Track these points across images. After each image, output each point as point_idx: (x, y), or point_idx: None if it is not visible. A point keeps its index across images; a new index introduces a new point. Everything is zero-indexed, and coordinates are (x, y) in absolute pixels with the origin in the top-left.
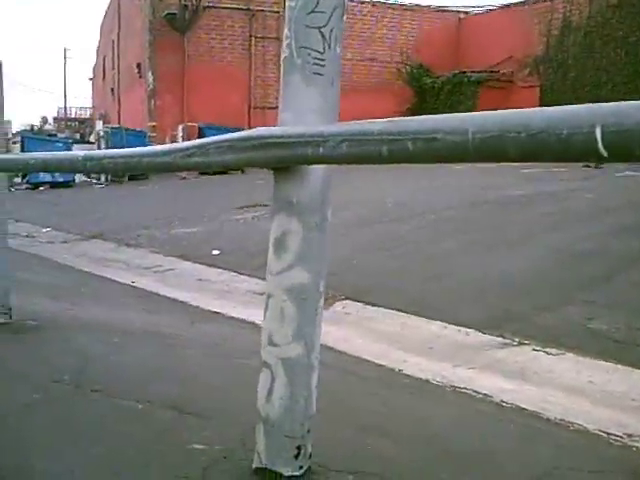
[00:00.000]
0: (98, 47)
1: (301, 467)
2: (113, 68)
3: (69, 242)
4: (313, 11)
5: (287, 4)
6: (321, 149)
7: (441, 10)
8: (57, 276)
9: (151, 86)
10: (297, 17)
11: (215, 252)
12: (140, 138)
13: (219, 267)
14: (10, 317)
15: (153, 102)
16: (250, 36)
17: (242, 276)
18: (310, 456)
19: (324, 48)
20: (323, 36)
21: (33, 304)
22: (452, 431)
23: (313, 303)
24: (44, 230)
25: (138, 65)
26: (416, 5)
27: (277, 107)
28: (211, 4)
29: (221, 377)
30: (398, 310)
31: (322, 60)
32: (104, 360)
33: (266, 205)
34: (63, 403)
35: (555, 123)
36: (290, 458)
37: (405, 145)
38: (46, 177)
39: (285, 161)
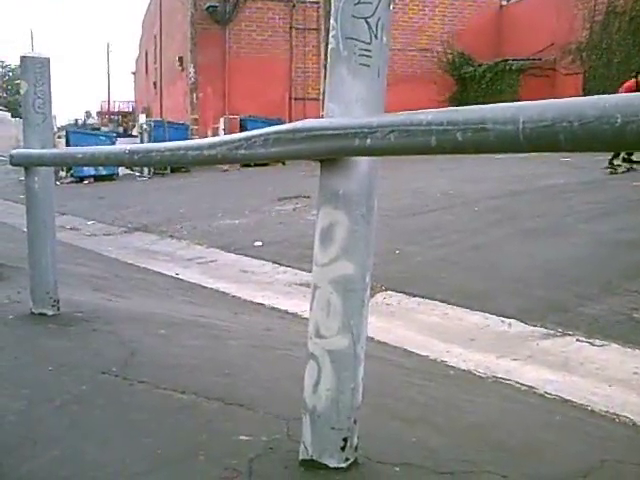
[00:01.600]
0: (140, 41)
1: (347, 459)
2: (155, 62)
3: (113, 234)
4: (360, 2)
5: None
6: (369, 140)
7: None
8: (101, 268)
9: (193, 79)
10: (343, 8)
11: (257, 243)
12: (182, 131)
13: (261, 258)
14: (58, 309)
15: (195, 95)
16: (290, 27)
17: (283, 267)
18: (356, 448)
19: (370, 39)
20: (370, 26)
21: (79, 296)
22: (497, 423)
23: (359, 295)
24: (88, 223)
25: (180, 59)
26: None
27: (317, 98)
28: None
29: (265, 368)
30: (440, 301)
31: (368, 51)
32: (150, 352)
33: (307, 197)
34: (111, 394)
35: (609, 112)
36: (336, 450)
37: (454, 135)
38: (90, 170)
39: (332, 153)
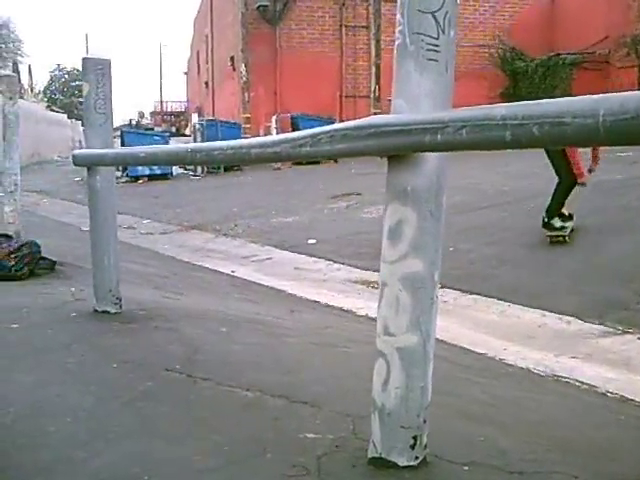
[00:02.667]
0: (192, 42)
1: (417, 457)
2: (207, 62)
3: (169, 233)
4: None
5: None
6: (439, 136)
7: None
8: (159, 266)
9: (244, 78)
10: (410, 2)
11: (311, 241)
12: (234, 130)
13: (315, 256)
14: (120, 307)
15: (247, 94)
16: (341, 26)
17: (338, 264)
18: (426, 446)
19: (438, 33)
20: (437, 21)
21: (140, 294)
22: (562, 422)
23: (428, 292)
24: (144, 222)
25: (231, 58)
26: None
27: (368, 96)
28: None
29: (326, 366)
30: (496, 298)
31: (436, 46)
32: (212, 349)
33: (359, 194)
34: (177, 391)
35: None
36: (406, 448)
37: (530, 130)
38: (145, 170)
39: (401, 149)
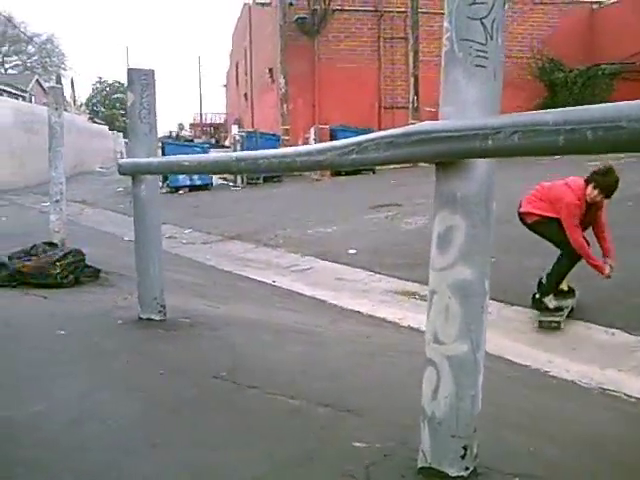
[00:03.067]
0: (231, 54)
1: (467, 468)
2: (246, 74)
3: (210, 243)
4: (474, 2)
5: None
6: (490, 142)
7: (573, 2)
8: (201, 275)
9: (283, 90)
10: (458, 9)
11: (351, 251)
12: (273, 141)
13: (355, 266)
14: (164, 315)
15: (285, 106)
16: (378, 37)
17: (378, 275)
18: (476, 457)
19: (486, 39)
20: (485, 27)
21: (183, 302)
22: (610, 435)
23: (478, 300)
24: (186, 231)
25: (270, 70)
26: None
27: (406, 107)
28: (340, 7)
29: (371, 375)
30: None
31: (484, 52)
32: (257, 357)
33: (399, 205)
34: (224, 398)
35: None
36: (456, 458)
37: (583, 135)
38: (185, 180)
39: (450, 155)
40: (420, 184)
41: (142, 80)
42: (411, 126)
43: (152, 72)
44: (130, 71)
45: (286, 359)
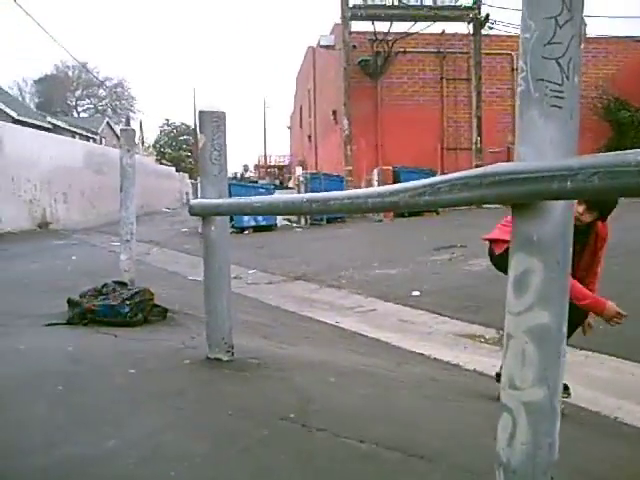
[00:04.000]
0: (295, 97)
1: None
2: (310, 116)
3: (274, 283)
4: (550, 42)
5: (521, 37)
6: (569, 183)
7: (638, 40)
8: (266, 315)
9: (347, 132)
10: (533, 49)
11: (415, 293)
12: (337, 183)
13: (419, 308)
14: (232, 355)
15: (349, 147)
16: (441, 78)
17: (442, 317)
18: None
19: (562, 79)
20: (561, 67)
21: (249, 342)
22: None
23: (555, 345)
24: (250, 272)
25: (334, 112)
26: (613, 37)
27: (470, 148)
28: (402, 49)
29: (440, 419)
30: (608, 354)
31: (560, 92)
32: (325, 399)
33: (463, 246)
34: (292, 440)
35: None
36: None
37: None
38: (250, 221)
39: (527, 197)
40: (484, 225)
41: (213, 122)
42: (487, 167)
43: (223, 114)
44: (201, 113)
45: (353, 402)
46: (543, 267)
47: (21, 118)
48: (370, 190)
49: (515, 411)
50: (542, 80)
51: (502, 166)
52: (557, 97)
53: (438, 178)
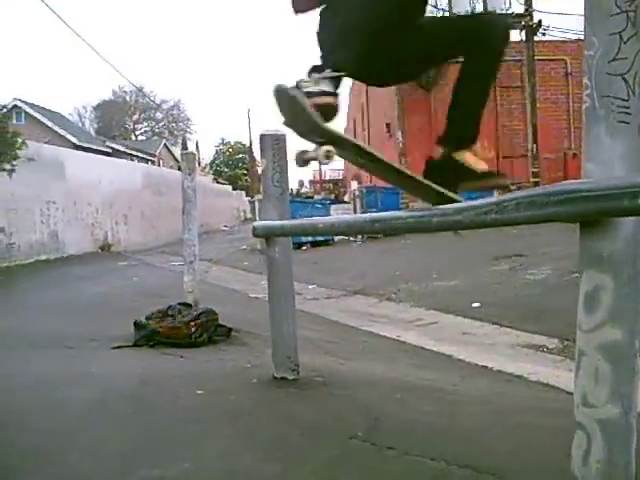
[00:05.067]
0: (348, 112)
1: None
2: (363, 129)
3: (333, 298)
4: (615, 58)
5: (585, 53)
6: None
7: None
8: (327, 331)
9: (401, 144)
10: (597, 66)
11: (475, 305)
12: (393, 196)
13: (480, 320)
14: (297, 373)
15: (403, 160)
16: (495, 87)
17: (504, 328)
18: None
19: (628, 95)
20: (627, 83)
21: (313, 360)
22: None
23: (629, 362)
24: (310, 287)
25: (387, 125)
26: None
27: (525, 155)
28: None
29: (509, 435)
30: None
31: (627, 108)
32: (392, 417)
33: (522, 255)
34: (363, 460)
35: None
36: None
37: None
38: (308, 237)
39: (595, 214)
40: (541, 234)
41: (274, 145)
42: (554, 185)
43: (284, 136)
44: (262, 136)
45: (420, 418)
46: (614, 284)
47: (82, 144)
48: (434, 209)
49: (589, 429)
50: (608, 97)
51: (570, 184)
52: (624, 113)
53: (504, 197)
